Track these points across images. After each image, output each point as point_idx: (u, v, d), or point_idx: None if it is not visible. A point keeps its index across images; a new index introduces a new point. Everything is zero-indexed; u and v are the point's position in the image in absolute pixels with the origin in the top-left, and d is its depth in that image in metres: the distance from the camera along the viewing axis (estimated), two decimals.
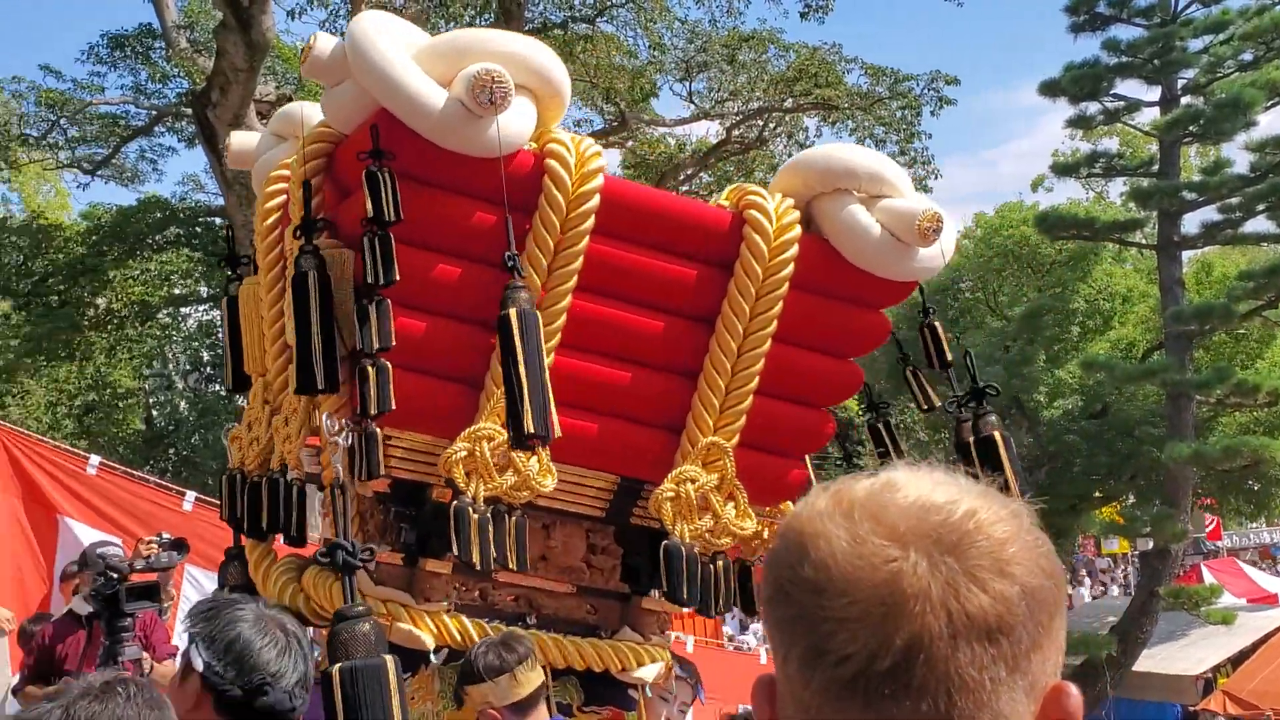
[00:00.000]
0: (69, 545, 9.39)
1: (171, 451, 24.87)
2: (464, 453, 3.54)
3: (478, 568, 3.54)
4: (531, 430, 3.19)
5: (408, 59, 3.47)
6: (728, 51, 19.36)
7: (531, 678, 3.58)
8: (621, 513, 3.89)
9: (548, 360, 3.60)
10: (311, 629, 3.91)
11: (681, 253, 3.83)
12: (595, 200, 3.64)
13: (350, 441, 3.48)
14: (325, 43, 3.63)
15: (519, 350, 3.21)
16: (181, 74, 22.59)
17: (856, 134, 19.12)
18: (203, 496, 9.50)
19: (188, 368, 24.55)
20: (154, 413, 25.39)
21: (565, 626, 3.99)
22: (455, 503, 3.53)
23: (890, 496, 1.03)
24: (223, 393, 23.38)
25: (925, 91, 19.26)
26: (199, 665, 2.53)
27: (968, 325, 24.05)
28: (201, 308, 24.12)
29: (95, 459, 10.48)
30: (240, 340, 4.11)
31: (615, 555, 3.96)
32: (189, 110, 22.22)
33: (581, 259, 3.65)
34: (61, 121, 23.15)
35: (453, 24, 18.18)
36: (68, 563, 7.75)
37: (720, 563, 3.82)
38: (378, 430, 3.49)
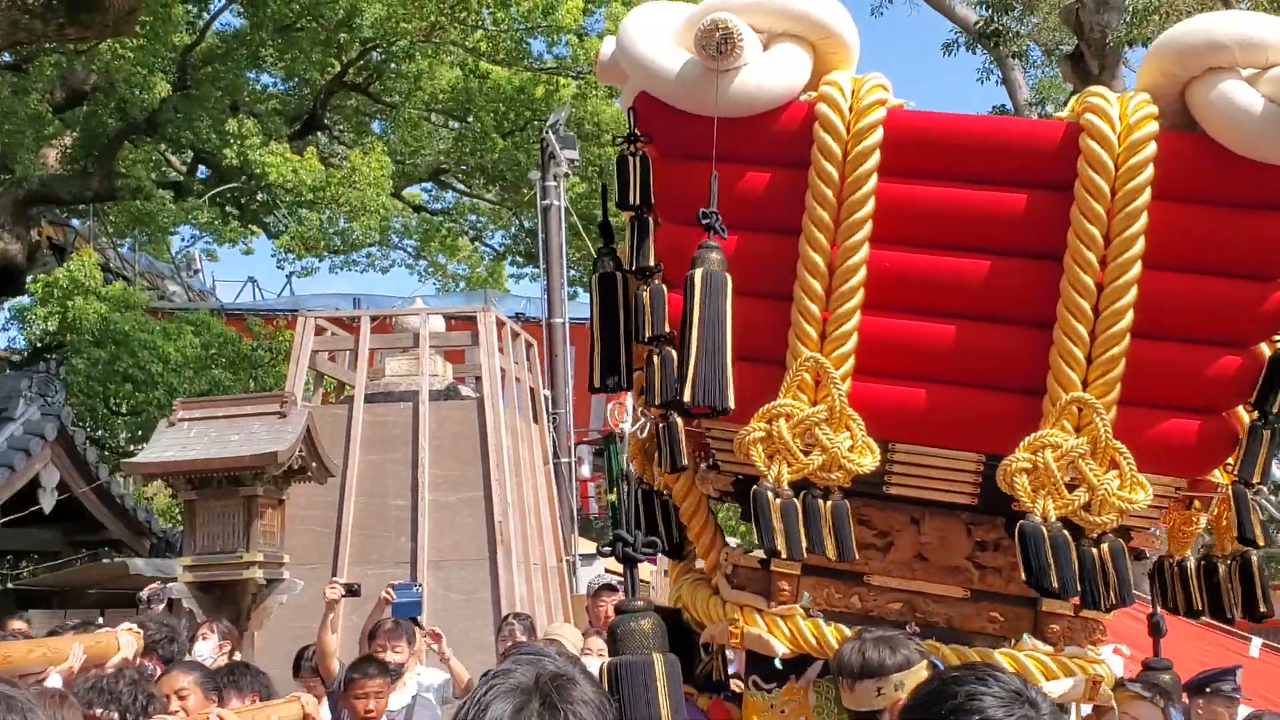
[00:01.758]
0: None
1: None
2: (760, 433, 3.21)
3: (783, 556, 3.16)
4: (689, 400, 2.81)
5: (659, 33, 3.33)
6: None
7: (909, 682, 3.14)
8: (1003, 500, 3.26)
9: (851, 324, 3.18)
10: None
11: (1005, 181, 3.24)
12: (877, 135, 3.23)
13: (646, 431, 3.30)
14: (608, 46, 3.56)
15: (695, 312, 2.89)
16: None
17: None
18: None
19: None
20: None
21: (961, 638, 3.42)
22: (755, 488, 3.18)
23: None
24: None
25: None
26: None
27: None
28: None
29: (1258, 641, 10.45)
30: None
31: (1010, 553, 3.30)
32: None
33: (871, 204, 3.21)
34: None
35: None
36: None
37: (1107, 545, 3.07)
38: (677, 420, 3.25)
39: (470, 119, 24.76)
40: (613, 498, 23.53)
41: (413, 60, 23.28)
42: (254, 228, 26.36)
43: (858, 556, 3.29)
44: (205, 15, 22.81)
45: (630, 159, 3.29)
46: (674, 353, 3.27)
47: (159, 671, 5.66)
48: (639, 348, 3.44)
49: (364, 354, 15.67)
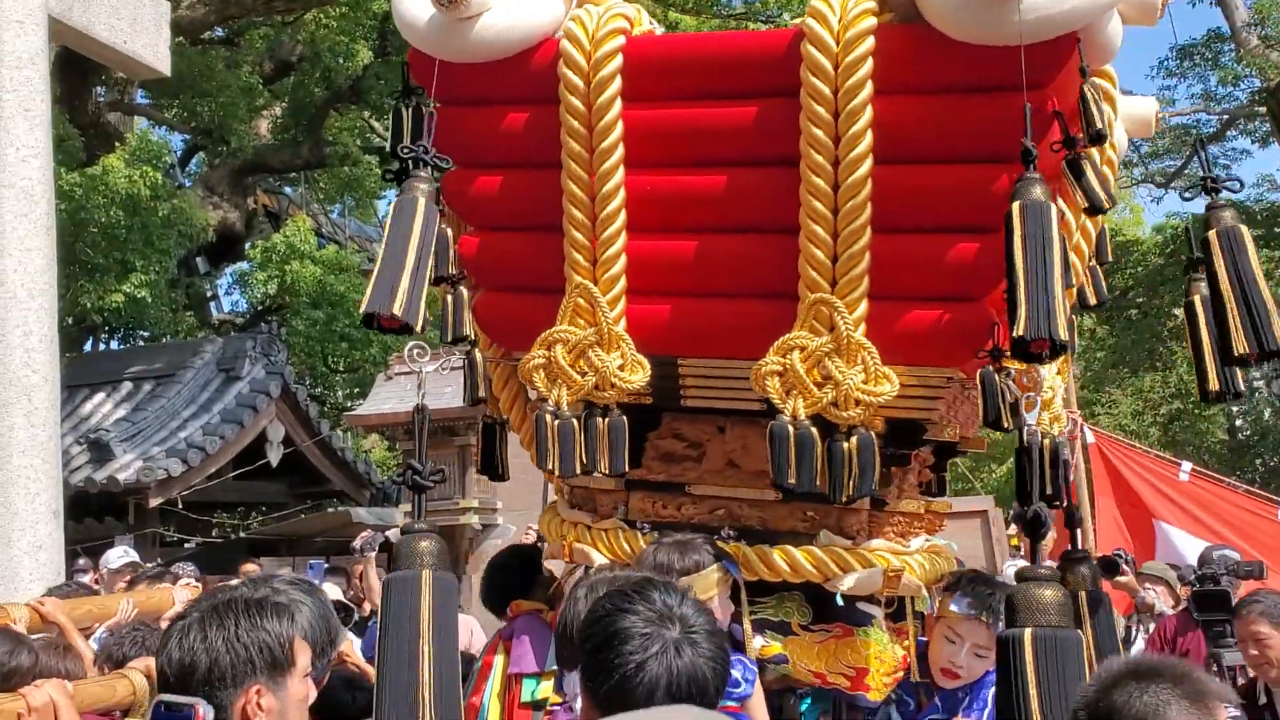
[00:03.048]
0: (1165, 549, 9.60)
1: (1259, 462, 23.57)
2: (541, 359, 3.41)
3: (557, 474, 3.34)
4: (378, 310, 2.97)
5: None
6: None
7: (709, 581, 3.36)
8: None
9: (617, 248, 3.34)
10: None
11: (742, 94, 3.33)
12: (615, 64, 3.35)
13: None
14: None
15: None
16: (1253, 72, 22.16)
17: None
18: None
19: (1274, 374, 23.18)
20: (1238, 422, 24.32)
21: (774, 538, 3.54)
22: (535, 411, 3.38)
23: None
24: None
25: None
26: None
27: None
28: None
29: (1187, 466, 10.76)
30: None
31: None
32: (1261, 109, 21.85)
33: (619, 131, 3.36)
34: (1134, 140, 23.93)
35: None
36: None
37: (855, 439, 3.14)
38: (476, 355, 3.50)
39: None
40: None
41: None
42: None
43: (625, 468, 3.45)
44: None
45: (404, 110, 3.45)
46: (465, 292, 3.46)
47: None
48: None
49: None
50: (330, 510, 18.15)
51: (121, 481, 14.90)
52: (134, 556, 8.68)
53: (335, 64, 21.73)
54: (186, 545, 16.83)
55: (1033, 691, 2.74)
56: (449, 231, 3.53)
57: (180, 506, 16.84)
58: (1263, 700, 5.34)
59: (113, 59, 9.35)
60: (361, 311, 3.08)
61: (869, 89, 3.15)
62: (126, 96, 21.07)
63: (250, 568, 10.70)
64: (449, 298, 3.54)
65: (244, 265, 23.74)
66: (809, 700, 3.66)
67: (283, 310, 21.95)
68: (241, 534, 17.65)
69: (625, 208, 3.41)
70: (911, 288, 3.28)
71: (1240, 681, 5.64)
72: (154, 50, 9.05)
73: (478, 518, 12.71)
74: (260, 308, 23.21)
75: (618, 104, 3.36)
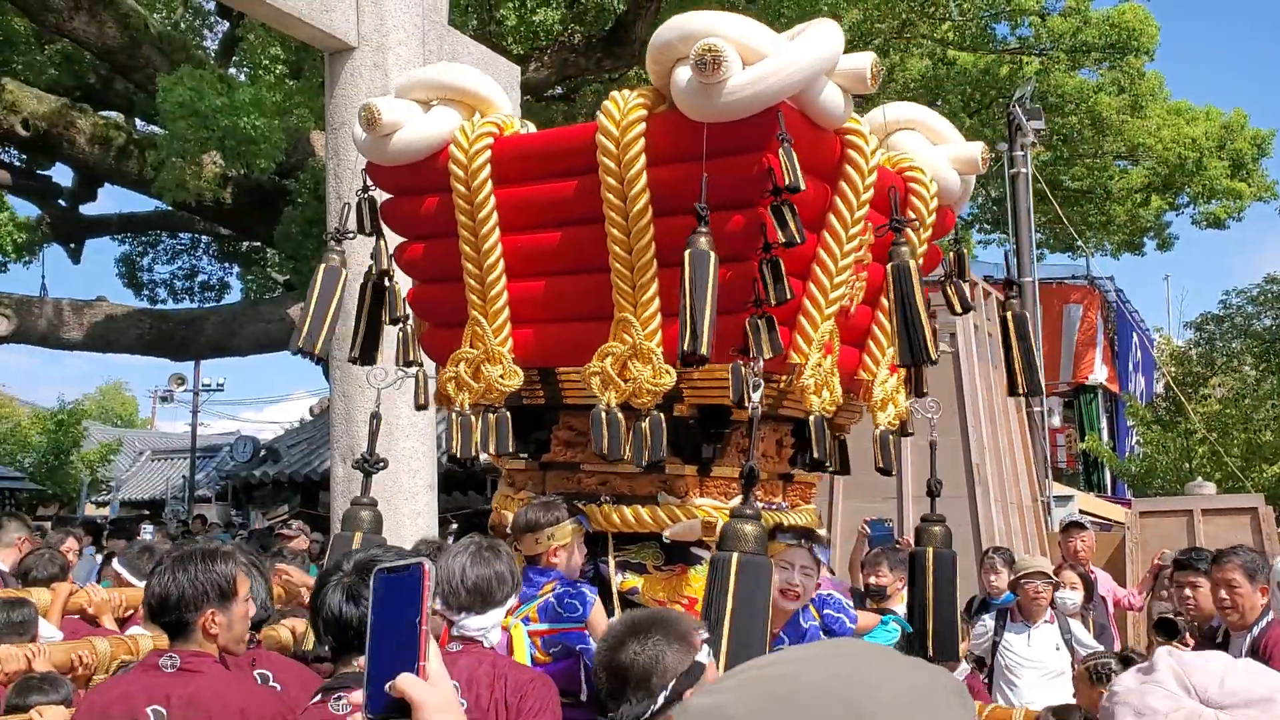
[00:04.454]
0: None
1: None
2: (451, 373, 4.71)
3: (460, 458, 4.59)
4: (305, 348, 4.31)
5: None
6: None
7: (565, 531, 4.51)
8: None
9: (499, 289, 4.59)
10: None
11: (567, 173, 4.51)
12: (484, 158, 4.64)
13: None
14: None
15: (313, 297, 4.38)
16: None
17: None
18: None
19: None
20: None
21: (639, 500, 4.67)
22: (450, 412, 4.66)
23: None
24: None
25: None
26: None
27: None
28: None
29: None
30: None
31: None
32: None
33: (491, 205, 4.63)
34: None
35: None
36: None
37: (648, 420, 4.25)
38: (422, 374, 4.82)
39: (939, 102, 25.55)
40: (1084, 446, 23.29)
41: (885, 56, 24.45)
42: None
43: (511, 449, 4.65)
44: None
45: (362, 202, 4.80)
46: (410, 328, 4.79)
47: None
48: None
49: None
50: None
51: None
52: None
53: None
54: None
55: (730, 599, 3.76)
56: (399, 285, 4.85)
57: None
58: (1218, 640, 5.89)
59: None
60: (292, 349, 4.44)
61: (643, 161, 4.29)
62: None
63: None
64: (400, 333, 4.84)
65: None
66: None
67: None
68: None
69: (503, 260, 4.63)
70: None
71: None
72: (508, 108, 10.14)
73: None
74: None
75: (489, 186, 4.62)
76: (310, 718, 3.40)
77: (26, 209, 26.27)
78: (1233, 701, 1.65)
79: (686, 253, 3.89)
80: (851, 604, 5.33)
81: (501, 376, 4.62)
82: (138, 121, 24.43)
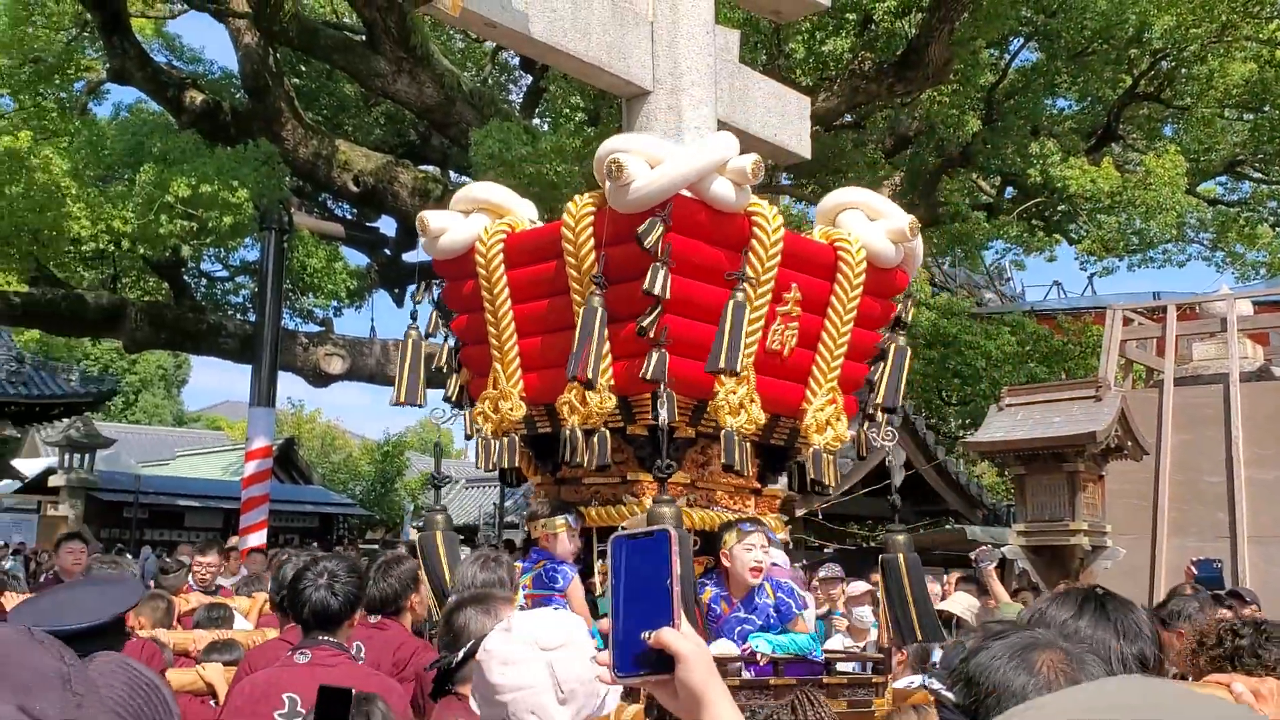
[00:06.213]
0: None
1: None
2: (479, 408, 6.52)
3: (484, 470, 6.44)
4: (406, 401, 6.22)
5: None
6: None
7: (556, 524, 6.17)
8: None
9: (512, 344, 6.38)
10: None
11: (550, 256, 6.15)
12: (498, 249, 6.32)
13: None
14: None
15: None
16: None
17: None
18: None
19: None
20: None
21: (615, 502, 6.24)
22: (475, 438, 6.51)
23: None
24: None
25: None
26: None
27: None
28: None
29: None
30: None
31: (623, 450, 6.20)
32: None
33: (504, 284, 6.31)
34: None
35: None
36: None
37: (597, 435, 5.94)
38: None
39: (1266, 108, 25.31)
40: None
41: (1203, 62, 24.34)
42: (1056, 236, 28.87)
43: (517, 464, 6.40)
44: (1006, 55, 25.77)
45: (426, 286, 6.73)
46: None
47: None
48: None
49: (1171, 341, 16.67)
50: (947, 527, 20.73)
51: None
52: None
53: (948, 134, 24.82)
54: (825, 550, 19.94)
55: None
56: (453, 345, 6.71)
57: (820, 517, 20.02)
58: None
59: (764, 149, 10.24)
60: (393, 402, 6.42)
61: (590, 245, 5.94)
62: (773, 179, 24.95)
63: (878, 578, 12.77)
64: (454, 380, 6.72)
65: None
66: None
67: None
68: (870, 544, 20.34)
69: (514, 322, 6.38)
70: (630, 349, 5.90)
71: None
72: (798, 139, 10.02)
73: (1087, 539, 13.09)
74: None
75: (502, 268, 6.36)
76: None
77: (357, 258, 29.46)
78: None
79: (583, 309, 5.60)
80: (804, 595, 6.37)
81: (510, 410, 6.34)
82: (452, 174, 26.59)
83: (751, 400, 6.06)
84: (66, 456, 34.09)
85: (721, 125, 8.93)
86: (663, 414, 5.54)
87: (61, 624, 3.48)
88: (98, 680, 1.31)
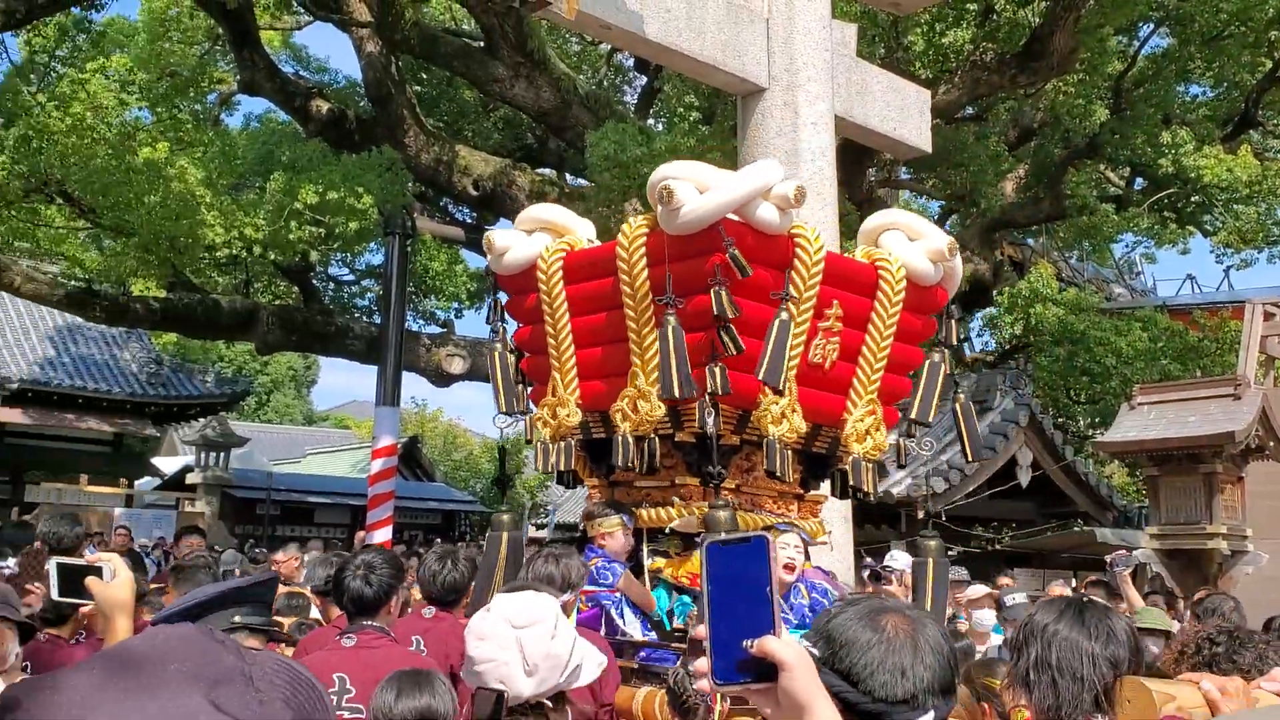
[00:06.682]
0: None
1: None
2: (539, 413, 6.83)
3: (541, 471, 6.50)
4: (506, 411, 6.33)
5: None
6: None
7: (611, 523, 6.42)
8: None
9: (570, 353, 6.52)
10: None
11: (606, 273, 6.39)
12: (558, 265, 6.63)
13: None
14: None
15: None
16: None
17: None
18: None
19: None
20: None
21: (665, 504, 6.51)
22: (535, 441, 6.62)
23: None
24: None
25: None
26: None
27: None
28: None
29: None
30: None
31: (672, 455, 6.38)
32: None
33: (563, 297, 6.64)
34: None
35: None
36: None
37: (646, 441, 6.20)
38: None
39: None
40: None
41: None
42: (1190, 228, 28.03)
43: (573, 468, 6.48)
44: (1135, 42, 24.96)
45: (494, 299, 6.92)
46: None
47: None
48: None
49: None
50: (1076, 529, 20.08)
51: (895, 495, 18.02)
52: (904, 561, 10.30)
53: (1074, 124, 24.28)
54: (949, 553, 19.61)
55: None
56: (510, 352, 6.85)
57: (944, 519, 19.84)
58: None
59: (883, 144, 10.77)
60: (496, 416, 6.72)
61: (644, 263, 6.20)
62: (893, 174, 24.92)
63: (1005, 581, 12.91)
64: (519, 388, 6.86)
65: (992, 310, 26.93)
66: (687, 599, 6.33)
67: (1028, 348, 24.07)
68: (995, 546, 19.98)
69: (572, 334, 6.52)
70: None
71: None
72: (918, 133, 10.28)
73: (1226, 543, 12.90)
74: (1007, 347, 25.71)
75: (561, 284, 6.65)
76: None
77: (477, 261, 29.41)
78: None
79: (660, 331, 5.82)
80: (838, 595, 6.69)
81: (567, 416, 6.63)
82: (568, 176, 26.90)
83: (793, 410, 6.33)
84: (203, 455, 35.24)
85: (839, 120, 9.59)
86: (711, 422, 5.76)
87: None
88: (272, 678, 1.43)
